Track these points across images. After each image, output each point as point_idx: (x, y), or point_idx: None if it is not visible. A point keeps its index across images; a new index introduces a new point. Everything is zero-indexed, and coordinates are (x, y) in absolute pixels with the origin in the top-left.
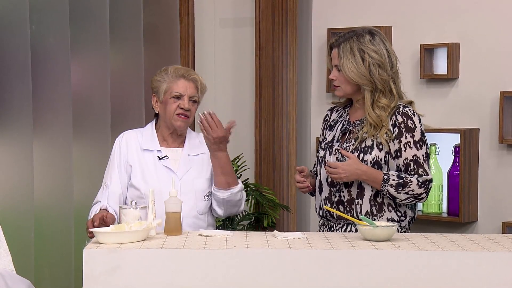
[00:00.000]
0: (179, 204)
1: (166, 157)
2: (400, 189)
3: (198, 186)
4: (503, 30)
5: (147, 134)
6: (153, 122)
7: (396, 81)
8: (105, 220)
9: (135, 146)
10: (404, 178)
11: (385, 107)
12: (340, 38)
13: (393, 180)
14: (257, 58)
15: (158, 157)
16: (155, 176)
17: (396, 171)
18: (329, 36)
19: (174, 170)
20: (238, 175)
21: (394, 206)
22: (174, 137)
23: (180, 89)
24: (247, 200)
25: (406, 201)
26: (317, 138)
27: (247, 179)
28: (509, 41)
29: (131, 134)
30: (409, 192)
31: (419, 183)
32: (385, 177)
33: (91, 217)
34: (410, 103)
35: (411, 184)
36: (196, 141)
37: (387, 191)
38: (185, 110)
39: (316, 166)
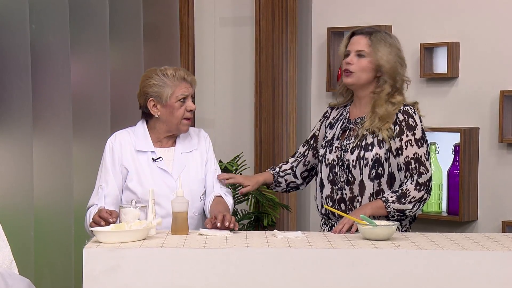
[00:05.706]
0: (185, 204)
1: (161, 159)
2: (403, 199)
3: (193, 187)
4: (503, 29)
5: (140, 134)
6: (144, 120)
7: (405, 84)
8: (107, 213)
9: (129, 147)
10: (400, 190)
11: (397, 103)
12: (367, 29)
13: (391, 197)
14: (257, 57)
15: (153, 158)
16: (150, 179)
17: (397, 169)
18: (329, 35)
19: (169, 171)
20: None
21: None
22: (169, 137)
23: (184, 91)
24: (247, 199)
25: (415, 209)
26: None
27: None
28: (509, 40)
29: (123, 134)
30: (412, 200)
31: (417, 187)
32: (383, 199)
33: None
34: (414, 104)
35: (409, 192)
36: (186, 135)
37: (393, 209)
38: (191, 112)
39: (316, 164)
